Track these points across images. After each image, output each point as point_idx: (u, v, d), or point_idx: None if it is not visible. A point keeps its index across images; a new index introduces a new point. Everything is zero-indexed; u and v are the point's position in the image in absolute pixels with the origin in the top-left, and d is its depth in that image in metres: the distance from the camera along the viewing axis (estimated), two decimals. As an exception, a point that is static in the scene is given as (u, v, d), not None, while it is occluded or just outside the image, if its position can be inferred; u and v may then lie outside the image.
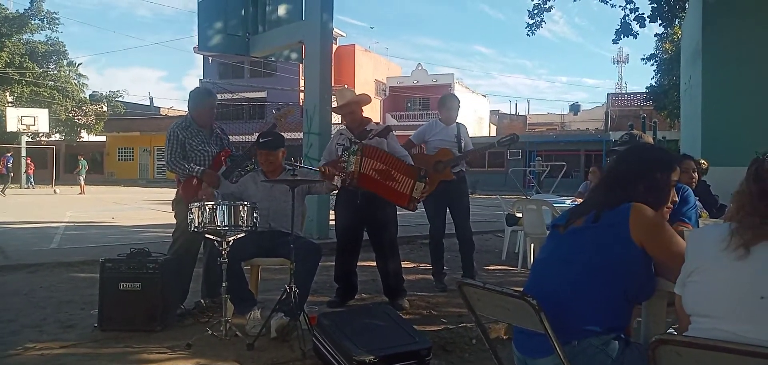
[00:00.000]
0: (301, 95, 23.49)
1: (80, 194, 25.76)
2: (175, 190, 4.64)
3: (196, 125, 4.55)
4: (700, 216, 4.18)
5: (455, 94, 6.43)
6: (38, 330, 4.05)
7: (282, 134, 4.58)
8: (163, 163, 43.29)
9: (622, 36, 12.29)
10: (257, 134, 4.65)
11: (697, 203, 4.39)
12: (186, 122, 4.57)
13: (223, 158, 4.60)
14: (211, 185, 4.34)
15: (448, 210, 5.74)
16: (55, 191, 28.19)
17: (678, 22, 12.87)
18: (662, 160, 2.20)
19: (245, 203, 3.89)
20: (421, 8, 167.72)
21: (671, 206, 2.23)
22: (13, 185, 31.67)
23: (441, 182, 5.44)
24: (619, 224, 2.00)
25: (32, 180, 31.53)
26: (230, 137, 5.14)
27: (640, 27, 12.07)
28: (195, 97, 4.65)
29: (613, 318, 1.99)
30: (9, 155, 28.82)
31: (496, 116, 51.22)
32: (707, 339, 1.48)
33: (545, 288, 2.05)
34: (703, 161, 6.03)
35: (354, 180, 4.46)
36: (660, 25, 12.91)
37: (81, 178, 27.79)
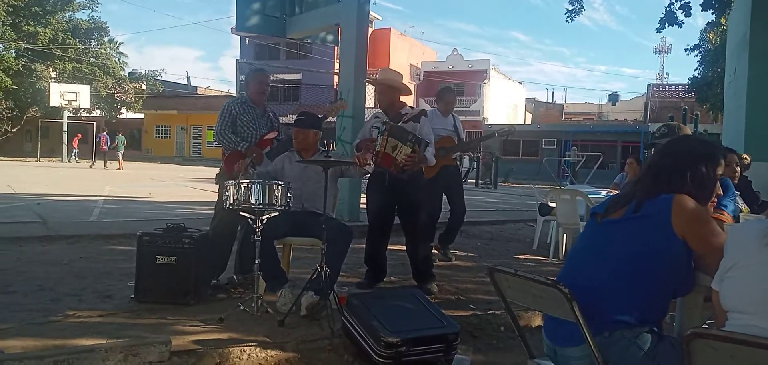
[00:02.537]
0: (336, 77, 23.57)
1: (118, 169, 26.43)
2: (220, 165, 4.75)
3: (249, 103, 4.75)
4: (740, 211, 4.08)
5: (452, 88, 7.21)
6: (78, 298, 4.18)
7: (319, 117, 4.63)
8: (199, 141, 44.25)
9: (666, 25, 11.97)
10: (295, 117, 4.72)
11: (739, 198, 4.28)
12: (242, 99, 4.82)
13: (270, 139, 4.73)
14: (254, 159, 4.46)
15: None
16: (90, 166, 29.00)
17: (727, 12, 12.45)
18: (708, 153, 2.14)
19: (279, 182, 3.94)
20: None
21: (715, 200, 2.18)
22: (55, 158, 32.83)
23: (442, 167, 5.84)
24: (661, 215, 1.96)
25: (76, 154, 32.72)
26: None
27: (686, 16, 11.72)
28: (248, 73, 4.96)
29: (647, 310, 1.96)
30: (105, 133, 30.70)
31: (532, 103, 50.59)
32: (743, 334, 1.45)
33: (579, 277, 2.03)
34: (745, 156, 5.85)
35: (378, 159, 4.51)
36: (712, 14, 12.51)
37: (119, 154, 28.60)
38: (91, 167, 28.33)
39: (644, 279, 1.96)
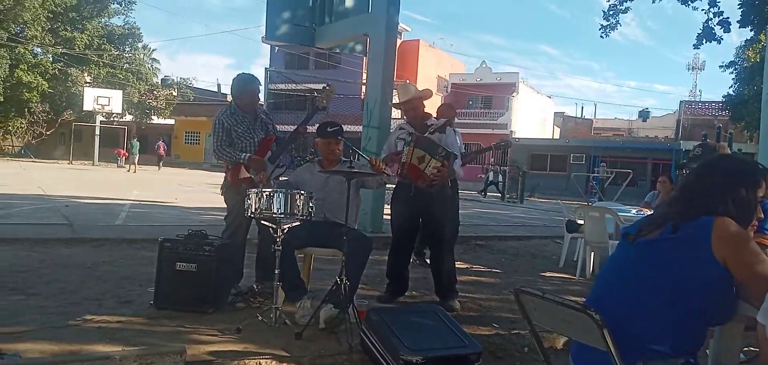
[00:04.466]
0: (363, 88, 23.63)
1: (133, 173, 27.20)
2: (224, 176, 4.67)
3: (240, 112, 4.55)
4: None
5: (451, 105, 7.44)
6: (98, 303, 4.17)
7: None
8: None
9: (703, 41, 11.67)
10: (318, 124, 4.64)
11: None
12: (231, 109, 4.57)
13: (268, 143, 4.59)
14: (258, 171, 4.35)
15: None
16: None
17: (766, 29, 12.10)
18: (749, 173, 2.01)
19: (302, 192, 3.89)
20: (486, 5, 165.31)
21: (756, 224, 2.04)
22: (87, 162, 33.55)
23: None
24: (700, 238, 1.84)
25: (119, 160, 33.61)
26: (292, 128, 5.14)
27: (725, 32, 11.40)
28: (238, 83, 4.59)
29: (683, 339, 1.84)
30: (162, 142, 32.63)
31: (560, 118, 50.00)
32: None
33: (610, 301, 1.91)
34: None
35: (404, 171, 4.42)
36: (751, 30, 12.15)
37: (135, 157, 29.52)
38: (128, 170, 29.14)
39: (681, 306, 1.83)
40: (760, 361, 1.70)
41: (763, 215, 2.50)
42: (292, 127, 5.00)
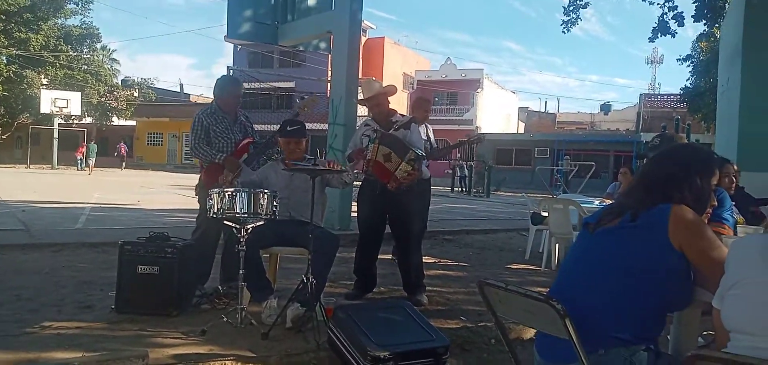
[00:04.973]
0: (329, 85, 23.52)
1: (88, 175, 26.93)
2: (199, 175, 4.65)
3: (221, 112, 4.62)
4: (736, 223, 4.00)
5: (427, 98, 7.23)
6: (57, 309, 4.05)
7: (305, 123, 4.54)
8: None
9: (659, 35, 11.96)
10: (283, 122, 4.60)
11: (733, 208, 4.21)
12: (211, 109, 4.65)
13: (246, 145, 4.61)
14: (232, 171, 4.32)
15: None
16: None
17: (719, 22, 12.48)
18: (702, 162, 2.06)
19: (265, 191, 3.84)
20: (451, 3, 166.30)
21: (710, 211, 2.09)
22: (45, 165, 32.59)
23: None
24: (658, 226, 1.87)
25: (80, 162, 32.66)
26: (257, 126, 5.16)
27: (679, 26, 11.71)
28: (221, 84, 4.72)
29: (644, 326, 1.87)
30: (123, 143, 32.42)
31: (525, 113, 50.67)
32: (749, 356, 1.35)
33: (572, 291, 1.93)
34: (734, 166, 5.79)
35: (369, 168, 4.42)
36: (704, 24, 12.50)
37: (91, 161, 29.52)
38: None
39: (641, 293, 1.87)
40: (716, 345, 1.73)
41: (717, 203, 2.56)
42: (257, 126, 4.98)
